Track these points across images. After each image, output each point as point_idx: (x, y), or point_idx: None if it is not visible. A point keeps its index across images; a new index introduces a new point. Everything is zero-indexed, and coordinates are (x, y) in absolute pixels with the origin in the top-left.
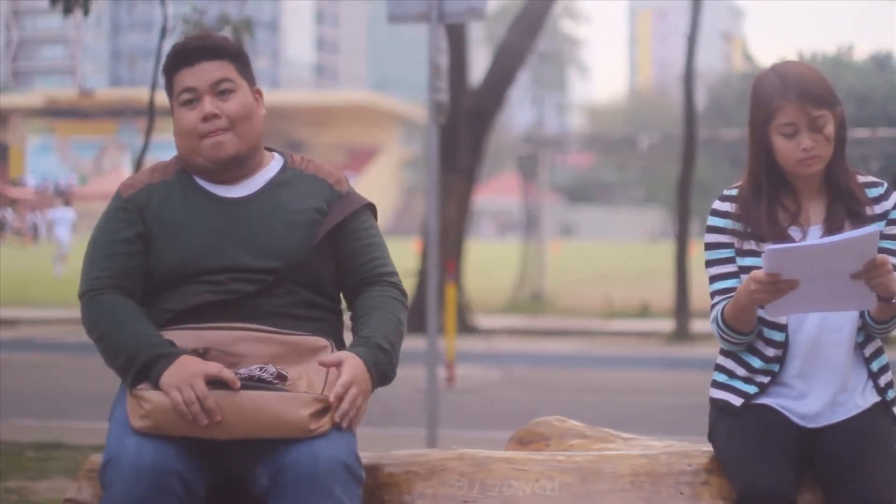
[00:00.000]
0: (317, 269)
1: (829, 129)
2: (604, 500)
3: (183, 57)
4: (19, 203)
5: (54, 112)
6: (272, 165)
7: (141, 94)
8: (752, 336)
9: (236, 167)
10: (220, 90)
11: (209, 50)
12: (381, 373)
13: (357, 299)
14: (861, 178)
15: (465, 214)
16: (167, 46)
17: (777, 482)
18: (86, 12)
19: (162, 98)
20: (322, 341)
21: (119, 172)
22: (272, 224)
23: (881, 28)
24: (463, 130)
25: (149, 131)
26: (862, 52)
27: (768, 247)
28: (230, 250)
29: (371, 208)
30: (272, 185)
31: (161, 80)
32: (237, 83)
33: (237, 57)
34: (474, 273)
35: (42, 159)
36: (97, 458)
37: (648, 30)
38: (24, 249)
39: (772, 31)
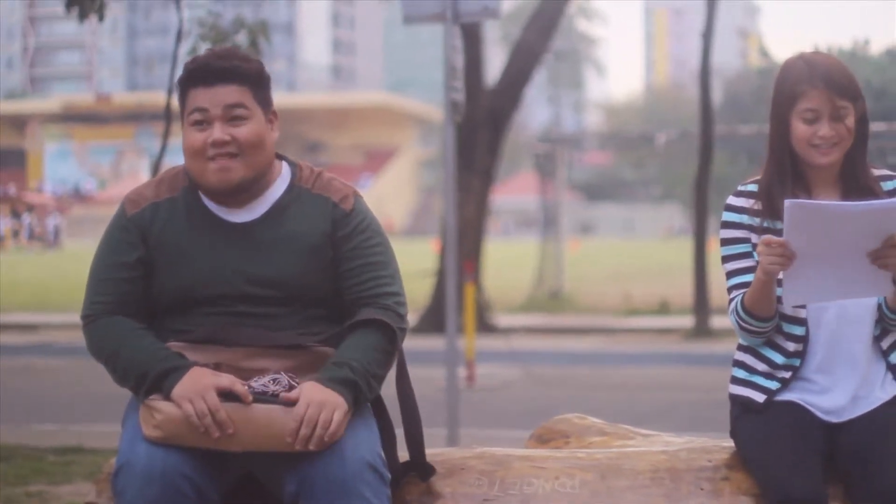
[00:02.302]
0: (321, 287)
1: (850, 121)
2: (624, 497)
3: (200, 75)
4: (38, 209)
5: (72, 117)
6: (279, 184)
7: (158, 98)
8: (771, 324)
9: (240, 192)
10: (233, 116)
11: (228, 72)
12: (342, 381)
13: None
14: (876, 172)
15: (484, 213)
16: (183, 50)
17: (812, 492)
18: (101, 18)
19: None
20: (332, 351)
21: (137, 177)
22: (275, 252)
23: None
24: (480, 130)
25: (166, 135)
26: (878, 46)
27: (790, 199)
28: (233, 279)
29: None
30: (278, 207)
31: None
32: (251, 110)
33: (256, 81)
34: (493, 272)
35: (60, 164)
36: None
37: (664, 28)
38: (44, 254)
39: (788, 27)
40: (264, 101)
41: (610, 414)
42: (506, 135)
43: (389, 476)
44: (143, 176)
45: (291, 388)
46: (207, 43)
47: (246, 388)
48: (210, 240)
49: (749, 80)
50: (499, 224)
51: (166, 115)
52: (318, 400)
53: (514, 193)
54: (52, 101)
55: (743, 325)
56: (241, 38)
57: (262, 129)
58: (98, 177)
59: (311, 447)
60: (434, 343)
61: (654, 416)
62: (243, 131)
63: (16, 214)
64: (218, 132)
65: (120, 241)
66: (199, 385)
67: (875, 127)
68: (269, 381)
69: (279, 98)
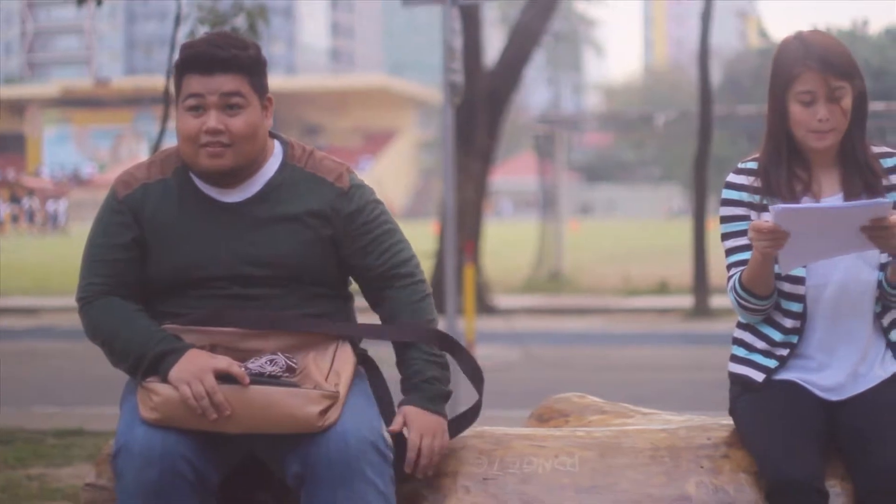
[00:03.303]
0: (319, 265)
1: (847, 102)
2: (623, 475)
3: (196, 62)
4: (37, 193)
5: (71, 102)
6: (271, 163)
7: (156, 82)
8: (770, 302)
9: (232, 176)
10: (229, 104)
11: (225, 62)
12: (440, 397)
13: (380, 302)
14: (875, 149)
15: (483, 195)
16: (182, 34)
17: (807, 473)
18: (99, 2)
19: None
20: (329, 323)
21: (136, 160)
22: (268, 232)
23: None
24: (479, 112)
25: (164, 119)
26: (877, 26)
27: (776, 206)
28: (226, 259)
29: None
30: (269, 187)
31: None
32: (247, 99)
33: (253, 68)
34: (493, 253)
35: (59, 149)
36: None
37: (663, 9)
38: (44, 238)
39: (787, 7)
40: (261, 87)
41: (609, 393)
42: (505, 116)
43: (392, 456)
44: (142, 160)
45: (289, 367)
46: (206, 26)
47: (243, 369)
48: (202, 221)
49: (748, 60)
50: (494, 205)
51: (165, 99)
52: (431, 430)
53: (513, 175)
54: (50, 86)
55: (742, 302)
56: (240, 22)
57: (257, 118)
58: (97, 161)
59: (420, 476)
60: None
61: (654, 396)
62: (238, 122)
63: (15, 199)
64: (213, 121)
65: (113, 223)
66: (196, 367)
67: (874, 106)
68: (266, 363)
69: (278, 81)
